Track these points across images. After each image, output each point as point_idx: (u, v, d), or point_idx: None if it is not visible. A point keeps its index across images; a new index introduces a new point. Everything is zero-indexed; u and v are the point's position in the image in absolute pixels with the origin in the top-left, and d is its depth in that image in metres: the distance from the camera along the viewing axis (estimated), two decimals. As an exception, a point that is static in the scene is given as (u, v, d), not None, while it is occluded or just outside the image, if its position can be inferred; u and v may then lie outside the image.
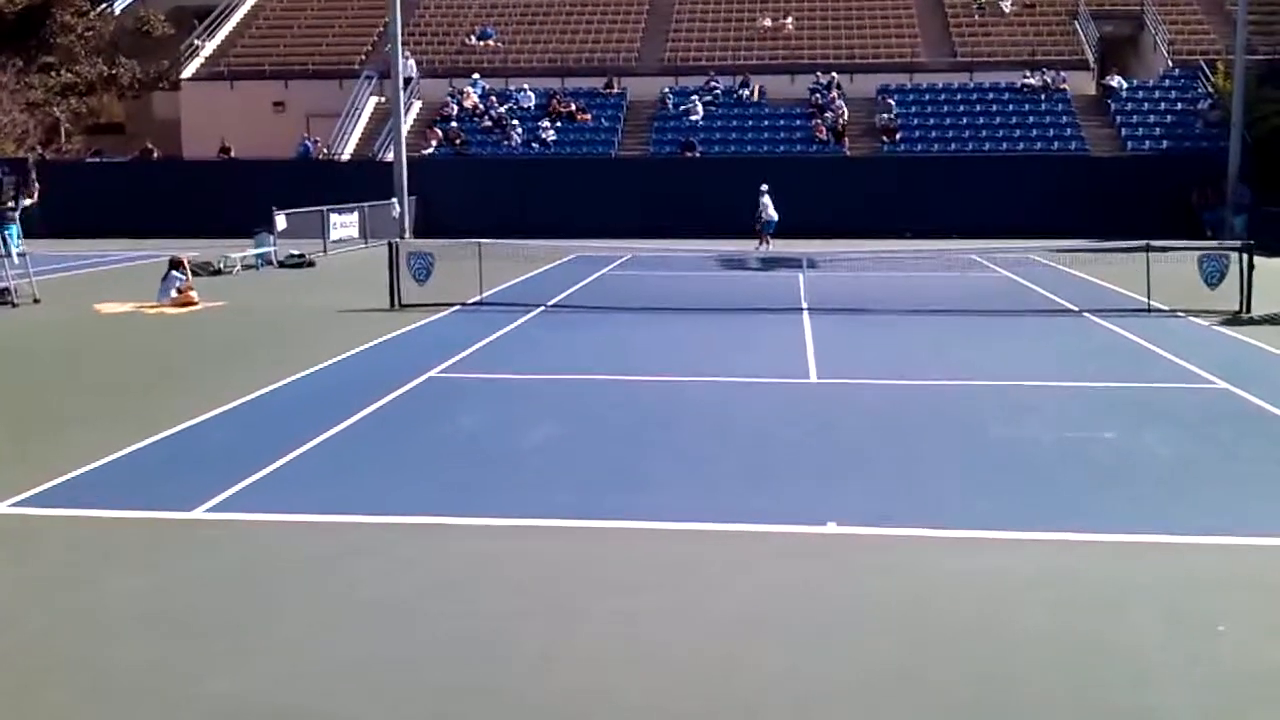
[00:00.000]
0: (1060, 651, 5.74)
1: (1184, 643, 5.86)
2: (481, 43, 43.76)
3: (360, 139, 39.72)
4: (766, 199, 29.97)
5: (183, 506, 8.08)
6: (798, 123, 38.52)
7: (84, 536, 7.63)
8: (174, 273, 19.74)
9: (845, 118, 38.14)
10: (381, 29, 42.29)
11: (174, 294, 19.45)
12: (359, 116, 40.30)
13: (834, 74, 39.87)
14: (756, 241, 29.78)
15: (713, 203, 34.15)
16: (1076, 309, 18.38)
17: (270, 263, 26.82)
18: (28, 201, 21.26)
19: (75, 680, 5.49)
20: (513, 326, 16.73)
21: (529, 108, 39.79)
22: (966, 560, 7.07)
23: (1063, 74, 39.03)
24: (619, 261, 26.74)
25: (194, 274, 23.15)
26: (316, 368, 13.46)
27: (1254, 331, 15.93)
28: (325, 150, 38.70)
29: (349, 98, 40.35)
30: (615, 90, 40.72)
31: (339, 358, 14.12)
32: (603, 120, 39.49)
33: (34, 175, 22.08)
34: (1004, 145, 36.84)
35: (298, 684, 5.45)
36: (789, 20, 43.56)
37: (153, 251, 22.55)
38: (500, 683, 5.45)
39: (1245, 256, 17.66)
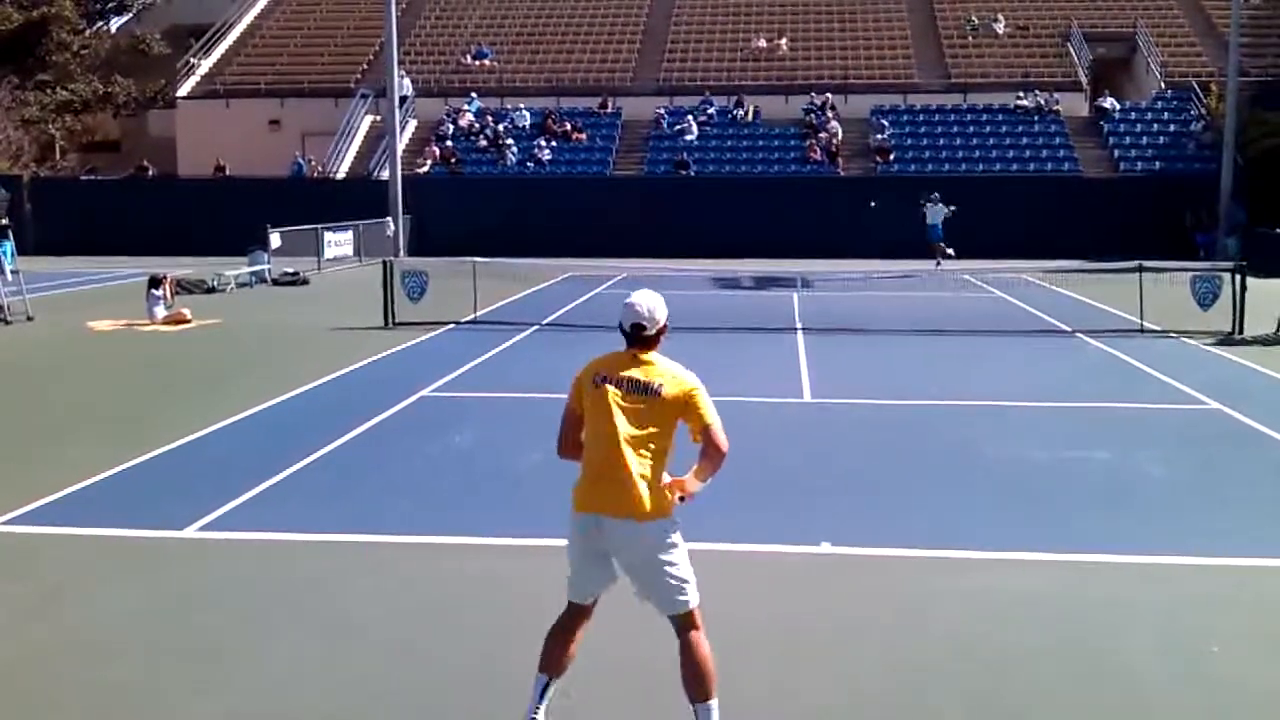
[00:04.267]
0: (1054, 672, 5.73)
1: (1177, 663, 5.85)
2: (477, 62, 43.89)
3: (355, 157, 39.78)
4: (932, 207, 29.99)
5: (174, 525, 8.05)
6: (792, 143, 38.65)
7: (75, 555, 7.60)
8: (153, 291, 19.70)
9: (839, 138, 38.26)
10: (377, 48, 42.39)
11: (162, 311, 19.43)
12: (354, 135, 40.37)
13: (828, 94, 40.01)
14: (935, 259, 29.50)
15: (707, 222, 34.23)
16: (1069, 329, 18.42)
17: (264, 280, 26.83)
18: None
19: (65, 700, 5.45)
20: (507, 345, 16.73)
21: (524, 127, 39.89)
22: (960, 580, 7.06)
23: (1056, 95, 39.22)
24: (613, 280, 26.75)
25: (188, 291, 23.22)
26: (309, 386, 13.44)
27: (1246, 352, 15.96)
28: (320, 169, 38.74)
29: (344, 116, 40.41)
30: (610, 110, 40.86)
31: (332, 376, 14.11)
32: (598, 140, 39.58)
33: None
34: (997, 166, 36.96)
35: (288, 705, 5.43)
36: (783, 41, 43.73)
37: (146, 270, 22.52)
38: (492, 705, 5.42)
39: (1238, 277, 17.72)
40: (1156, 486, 9.31)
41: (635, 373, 4.72)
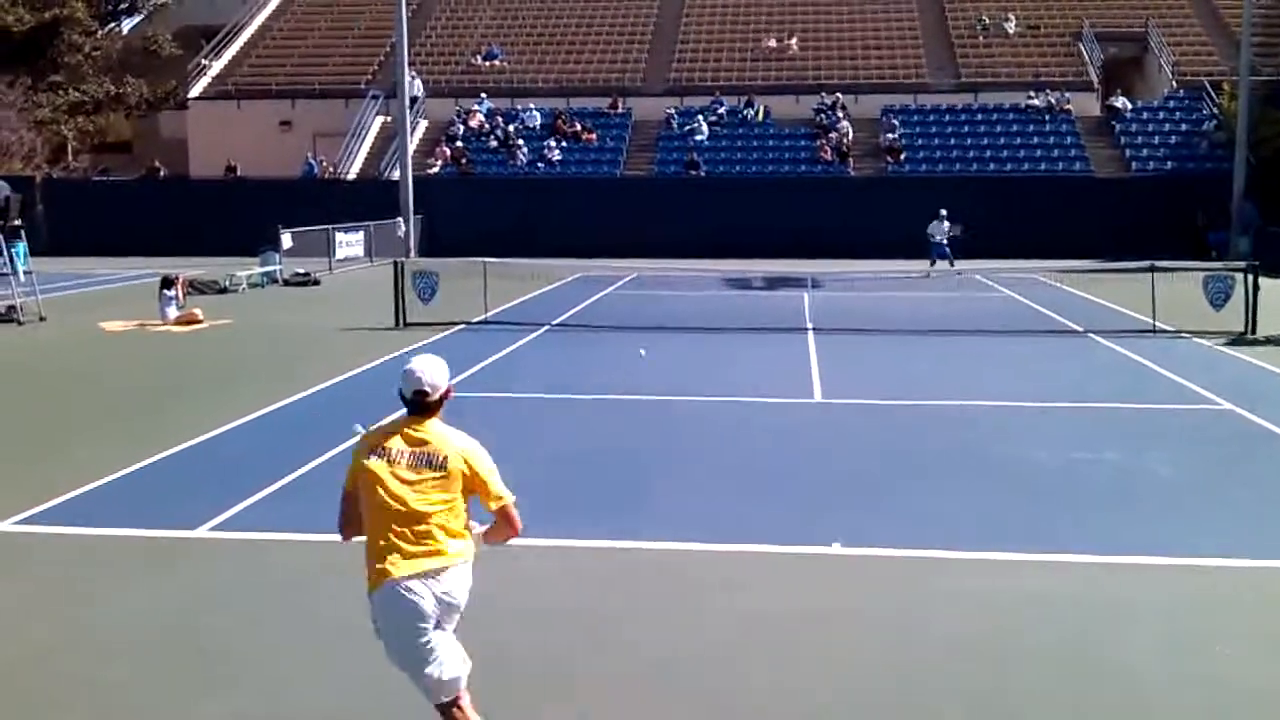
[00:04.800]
0: (1060, 671, 5.72)
1: (1183, 663, 5.84)
2: (488, 63, 43.93)
3: (366, 158, 39.84)
4: (937, 224, 29.23)
5: (186, 525, 8.08)
6: (802, 143, 38.62)
7: (88, 555, 7.63)
8: (165, 292, 19.77)
9: (850, 138, 38.22)
10: (388, 49, 42.46)
11: (174, 312, 19.49)
12: (365, 136, 40.43)
13: (839, 94, 39.97)
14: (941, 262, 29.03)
15: (718, 222, 34.21)
16: (1081, 329, 18.37)
17: (276, 281, 26.89)
18: None
19: (75, 699, 5.48)
20: (517, 346, 16.75)
21: (535, 127, 39.92)
22: (970, 580, 7.05)
23: (1067, 95, 39.11)
24: (623, 281, 26.78)
25: (200, 292, 23.28)
26: (321, 386, 13.47)
27: (1259, 352, 15.91)
28: (331, 169, 38.81)
29: (355, 117, 40.50)
30: (620, 110, 40.85)
31: (343, 376, 14.14)
32: (608, 140, 39.60)
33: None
34: (1008, 166, 36.89)
35: (295, 705, 5.44)
36: (794, 41, 43.68)
37: (159, 270, 22.60)
38: (499, 704, 5.43)
39: (1250, 277, 17.65)
40: (1166, 487, 9.29)
41: (420, 445, 4.54)
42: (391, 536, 4.49)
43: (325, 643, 6.13)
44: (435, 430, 4.61)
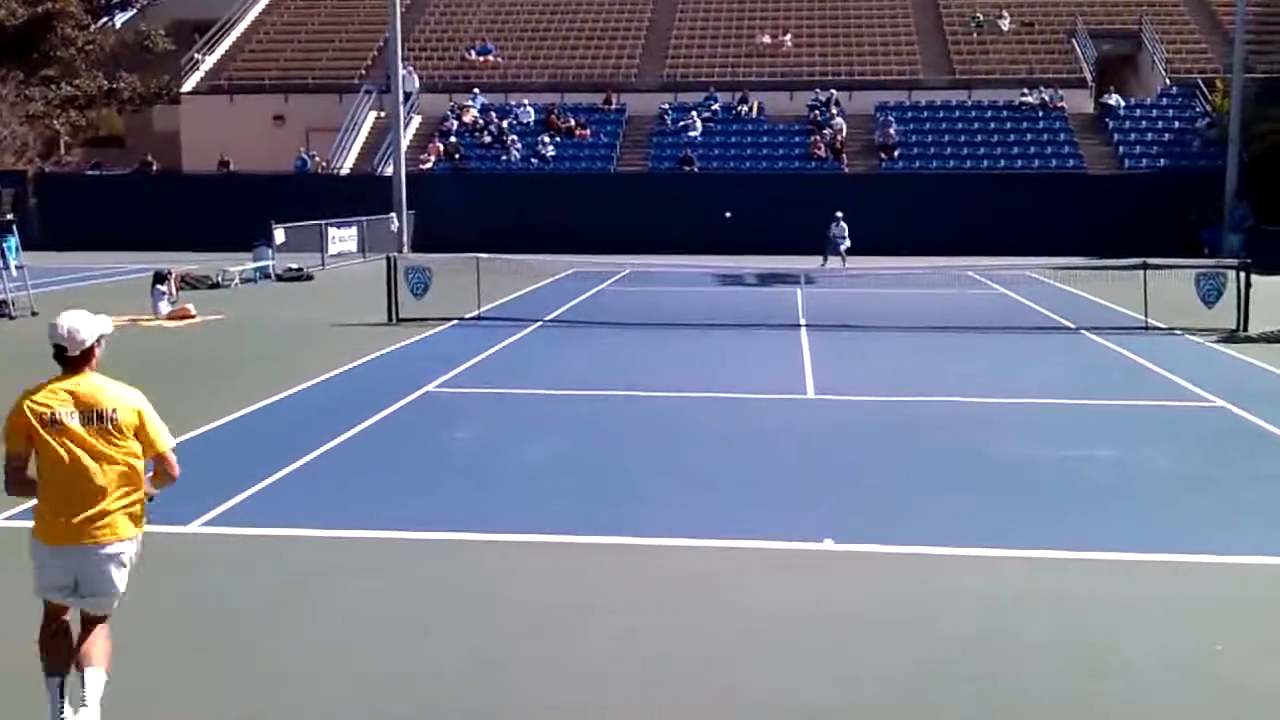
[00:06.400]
0: (1058, 670, 5.72)
1: (1182, 662, 5.85)
2: (481, 58, 43.87)
3: (359, 153, 39.77)
4: (835, 225, 29.42)
5: (178, 521, 8.05)
6: (796, 139, 38.60)
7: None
8: (158, 287, 19.71)
9: (844, 135, 38.22)
10: (382, 43, 42.39)
11: (167, 307, 19.45)
12: (358, 131, 40.36)
13: (833, 91, 39.96)
14: (834, 260, 29.21)
15: (711, 219, 34.21)
16: (1074, 326, 18.40)
17: (268, 276, 26.85)
18: None
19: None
20: (510, 341, 16.74)
21: (528, 123, 39.87)
22: (963, 578, 7.05)
23: (1060, 92, 39.15)
24: (617, 276, 26.76)
25: (193, 287, 23.24)
26: (313, 382, 13.45)
27: (1251, 349, 15.94)
28: (324, 164, 38.74)
29: (349, 112, 40.41)
30: (614, 106, 40.81)
31: (336, 372, 14.12)
32: (602, 136, 39.55)
33: None
34: (1002, 163, 36.91)
35: (290, 702, 5.43)
36: (788, 37, 43.67)
37: (151, 265, 22.54)
38: (497, 702, 5.43)
39: (1242, 275, 17.69)
40: (1160, 484, 9.30)
41: (84, 402, 4.63)
42: (77, 503, 4.63)
43: (322, 640, 6.12)
44: (94, 385, 4.71)
